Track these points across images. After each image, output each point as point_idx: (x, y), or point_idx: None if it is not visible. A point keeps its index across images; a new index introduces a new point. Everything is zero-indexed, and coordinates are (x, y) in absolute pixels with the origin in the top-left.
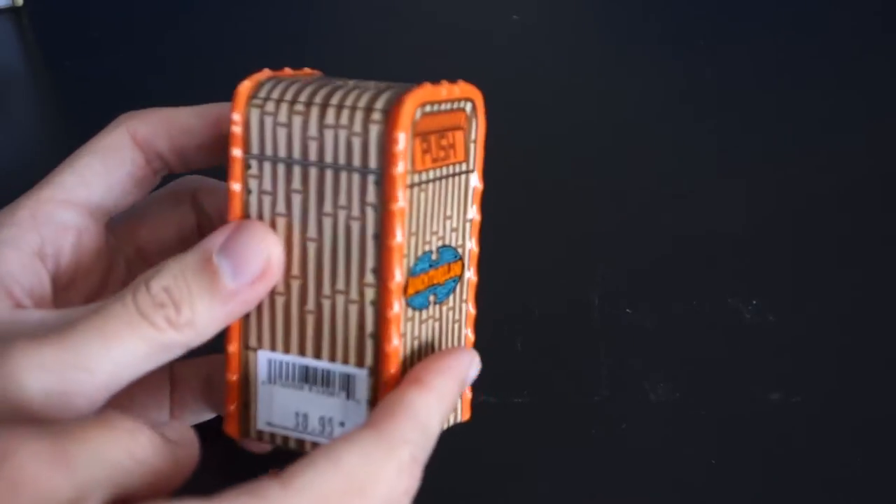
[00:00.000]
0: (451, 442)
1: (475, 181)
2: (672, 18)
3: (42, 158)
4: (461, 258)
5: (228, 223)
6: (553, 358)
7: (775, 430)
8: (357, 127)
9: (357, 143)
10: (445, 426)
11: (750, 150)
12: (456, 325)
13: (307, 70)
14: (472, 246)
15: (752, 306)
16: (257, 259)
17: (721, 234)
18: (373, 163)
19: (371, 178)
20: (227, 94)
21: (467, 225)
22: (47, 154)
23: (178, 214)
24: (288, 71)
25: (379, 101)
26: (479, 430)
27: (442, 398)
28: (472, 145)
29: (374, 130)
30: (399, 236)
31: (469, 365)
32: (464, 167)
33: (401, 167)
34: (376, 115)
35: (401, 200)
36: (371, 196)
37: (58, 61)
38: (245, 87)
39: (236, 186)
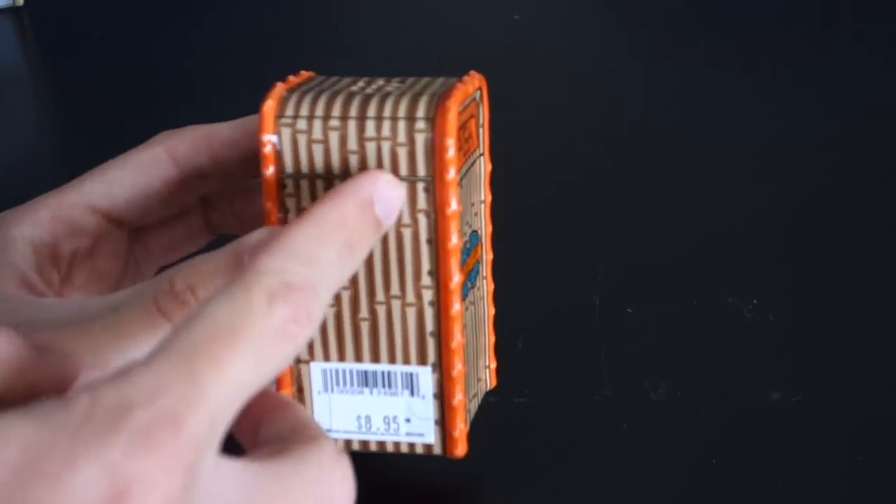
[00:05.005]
0: None
1: (486, 163)
2: (674, 16)
3: (41, 158)
4: (481, 240)
5: (264, 227)
6: (553, 358)
7: (775, 430)
8: (401, 137)
9: (403, 153)
10: (353, 256)
11: (751, 149)
12: (482, 302)
13: (304, 73)
14: (487, 226)
15: (753, 306)
16: None
17: (721, 234)
18: (421, 171)
19: (420, 186)
20: (230, 93)
21: (482, 206)
22: (47, 154)
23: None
24: (292, 79)
25: (418, 108)
26: (480, 429)
27: (323, 221)
28: (480, 130)
29: (421, 139)
30: (454, 238)
31: (372, 182)
32: (478, 152)
33: (452, 173)
34: (420, 124)
35: (454, 204)
36: (422, 203)
37: (58, 61)
38: (270, 106)
39: (271, 206)
